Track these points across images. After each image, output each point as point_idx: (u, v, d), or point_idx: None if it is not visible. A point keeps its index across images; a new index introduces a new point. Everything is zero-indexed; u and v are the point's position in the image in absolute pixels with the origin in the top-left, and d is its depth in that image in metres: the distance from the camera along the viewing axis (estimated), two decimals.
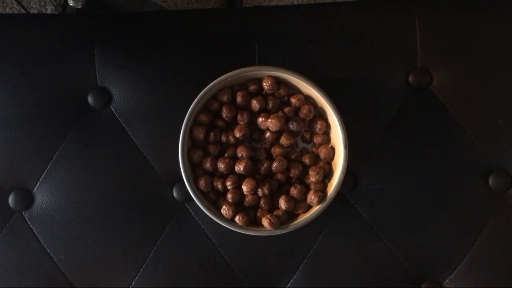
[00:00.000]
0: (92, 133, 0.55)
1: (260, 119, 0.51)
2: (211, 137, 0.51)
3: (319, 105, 0.52)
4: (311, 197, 0.50)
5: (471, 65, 0.55)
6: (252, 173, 0.51)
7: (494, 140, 0.55)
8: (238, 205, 0.51)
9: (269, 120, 0.50)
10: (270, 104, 0.51)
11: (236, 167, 0.50)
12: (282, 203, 0.50)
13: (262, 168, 0.51)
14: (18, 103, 0.55)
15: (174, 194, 0.54)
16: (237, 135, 0.51)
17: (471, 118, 0.55)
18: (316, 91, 0.50)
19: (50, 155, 0.55)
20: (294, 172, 0.51)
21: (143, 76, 0.55)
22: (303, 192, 0.50)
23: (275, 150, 0.51)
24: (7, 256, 0.55)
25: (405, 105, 0.55)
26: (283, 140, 0.51)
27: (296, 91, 0.52)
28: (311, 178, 0.51)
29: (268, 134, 0.51)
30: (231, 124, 0.52)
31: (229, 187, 0.50)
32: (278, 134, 0.51)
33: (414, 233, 0.54)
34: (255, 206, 0.51)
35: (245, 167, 0.50)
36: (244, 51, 0.55)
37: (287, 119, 0.51)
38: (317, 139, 0.52)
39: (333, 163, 0.52)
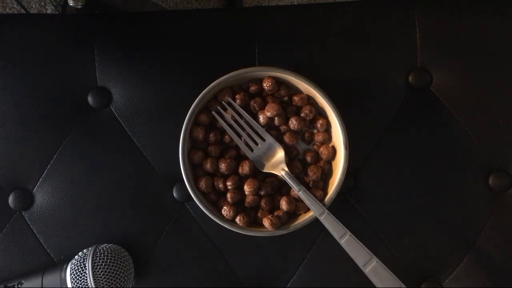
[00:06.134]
0: (92, 133, 0.55)
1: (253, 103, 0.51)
2: (211, 138, 0.51)
3: (319, 105, 0.52)
4: None
5: (471, 65, 0.55)
6: (254, 173, 0.51)
7: (494, 140, 0.55)
8: (239, 206, 0.51)
9: (267, 105, 0.50)
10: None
11: (239, 168, 0.50)
12: (284, 204, 0.50)
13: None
14: (18, 103, 0.55)
15: (174, 194, 0.54)
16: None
17: (471, 118, 0.55)
18: (316, 91, 0.50)
19: (50, 155, 0.55)
20: (294, 172, 0.51)
21: (143, 76, 0.55)
22: None
23: None
24: (7, 256, 0.55)
25: (405, 105, 0.55)
26: (287, 140, 0.51)
27: (296, 91, 0.52)
28: (309, 177, 0.51)
29: (263, 117, 0.51)
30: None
31: (229, 187, 0.50)
32: (273, 118, 0.51)
33: (414, 233, 0.54)
34: (256, 207, 0.51)
35: (249, 168, 0.50)
36: (244, 51, 0.55)
37: (287, 118, 0.51)
38: (318, 137, 0.52)
39: (333, 163, 0.52)
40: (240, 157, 0.52)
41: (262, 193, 0.50)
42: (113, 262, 0.49)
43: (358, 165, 0.54)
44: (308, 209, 0.51)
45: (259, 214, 0.51)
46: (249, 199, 0.50)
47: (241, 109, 0.51)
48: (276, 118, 0.51)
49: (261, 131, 0.51)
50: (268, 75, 0.51)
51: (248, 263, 0.55)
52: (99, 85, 0.55)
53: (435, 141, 0.55)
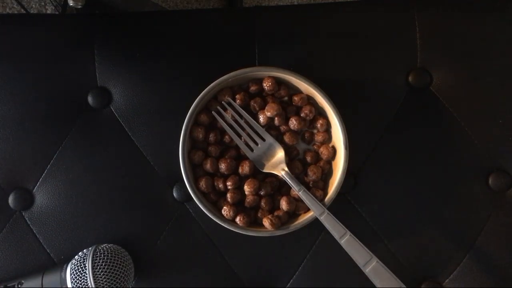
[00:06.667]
0: (92, 133, 0.55)
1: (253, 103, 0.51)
2: (211, 138, 0.51)
3: (319, 105, 0.52)
4: None
5: (471, 65, 0.55)
6: (254, 173, 0.51)
7: (494, 140, 0.55)
8: (239, 206, 0.51)
9: (267, 105, 0.50)
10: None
11: (239, 168, 0.50)
12: (284, 204, 0.50)
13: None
14: (18, 103, 0.55)
15: (174, 194, 0.54)
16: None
17: (471, 118, 0.55)
18: (316, 91, 0.50)
19: (50, 155, 0.55)
20: (294, 172, 0.51)
21: (143, 76, 0.55)
22: None
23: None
24: (6, 256, 0.55)
25: (405, 105, 0.55)
26: (287, 140, 0.51)
27: (296, 91, 0.52)
28: (309, 177, 0.51)
29: (263, 117, 0.51)
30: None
31: (229, 187, 0.50)
32: (273, 118, 0.51)
33: (414, 233, 0.54)
34: (256, 207, 0.51)
35: (249, 168, 0.50)
36: (244, 51, 0.55)
37: (287, 118, 0.51)
38: (318, 137, 0.52)
39: (333, 163, 0.52)
40: (240, 157, 0.52)
41: (262, 193, 0.50)
42: (113, 262, 0.49)
43: (358, 165, 0.54)
44: (308, 209, 0.51)
45: (259, 214, 0.51)
46: (249, 199, 0.50)
47: (241, 109, 0.51)
48: (276, 118, 0.51)
49: (261, 131, 0.51)
50: (268, 75, 0.51)
51: (248, 263, 0.55)
52: (99, 85, 0.55)
53: (435, 141, 0.55)
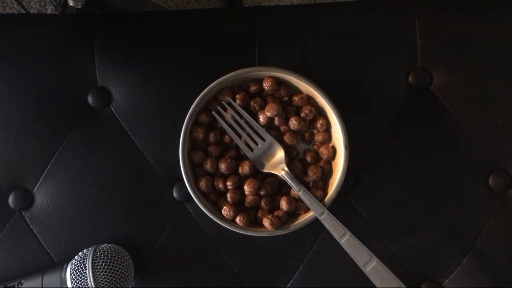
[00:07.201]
0: (92, 133, 0.55)
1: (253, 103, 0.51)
2: (211, 138, 0.51)
3: (319, 105, 0.52)
4: None
5: (471, 65, 0.55)
6: (254, 173, 0.51)
7: (494, 140, 0.55)
8: (239, 206, 0.51)
9: (267, 105, 0.50)
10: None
11: (239, 168, 0.50)
12: (284, 204, 0.50)
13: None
14: (18, 103, 0.55)
15: (174, 194, 0.54)
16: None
17: (471, 118, 0.55)
18: (316, 91, 0.50)
19: (50, 155, 0.55)
20: (294, 172, 0.51)
21: (143, 76, 0.55)
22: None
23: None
24: (6, 256, 0.55)
25: (405, 105, 0.55)
26: (287, 140, 0.51)
27: (296, 91, 0.52)
28: (309, 177, 0.51)
29: (263, 117, 0.51)
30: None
31: (229, 187, 0.50)
32: (273, 118, 0.51)
33: (414, 233, 0.54)
34: (256, 207, 0.51)
35: (249, 168, 0.50)
36: (244, 51, 0.55)
37: (287, 118, 0.51)
38: (318, 137, 0.52)
39: (333, 163, 0.52)
40: (240, 157, 0.52)
41: (262, 193, 0.50)
42: (113, 262, 0.49)
43: (358, 165, 0.54)
44: (308, 209, 0.51)
45: (259, 214, 0.51)
46: (249, 199, 0.50)
47: (241, 109, 0.51)
48: (276, 118, 0.51)
49: (261, 131, 0.51)
50: (268, 75, 0.51)
51: (248, 263, 0.55)
52: (99, 85, 0.55)
53: (435, 141, 0.55)
